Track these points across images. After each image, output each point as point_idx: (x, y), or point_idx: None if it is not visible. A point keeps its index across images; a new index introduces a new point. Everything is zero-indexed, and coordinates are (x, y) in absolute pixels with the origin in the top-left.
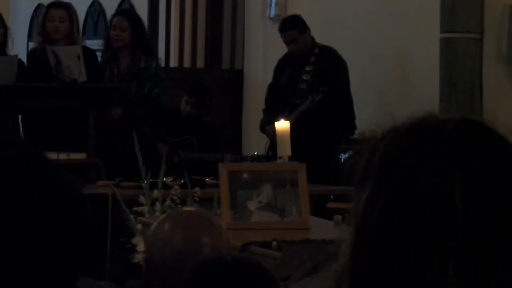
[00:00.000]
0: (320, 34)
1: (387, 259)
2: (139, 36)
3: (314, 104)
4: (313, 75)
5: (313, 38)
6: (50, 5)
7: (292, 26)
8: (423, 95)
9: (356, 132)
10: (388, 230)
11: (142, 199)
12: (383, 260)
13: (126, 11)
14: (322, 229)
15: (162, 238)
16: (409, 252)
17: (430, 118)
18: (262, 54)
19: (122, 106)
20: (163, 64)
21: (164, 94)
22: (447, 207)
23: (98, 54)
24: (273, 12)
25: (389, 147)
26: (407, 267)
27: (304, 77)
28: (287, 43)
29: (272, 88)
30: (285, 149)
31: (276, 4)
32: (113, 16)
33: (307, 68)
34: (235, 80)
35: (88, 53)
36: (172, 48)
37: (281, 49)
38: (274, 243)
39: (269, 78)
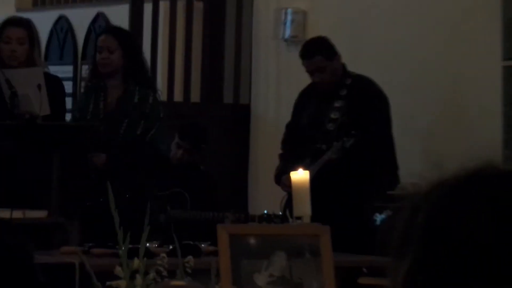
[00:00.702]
0: (350, 61)
1: None
2: (132, 60)
3: (344, 151)
4: (344, 113)
5: (343, 66)
6: (6, 23)
7: (318, 51)
8: (482, 138)
9: (398, 187)
10: None
11: (118, 270)
12: None
13: (114, 29)
14: None
15: None
16: None
17: (490, 169)
18: (274, 85)
19: (108, 151)
20: (162, 98)
21: (162, 136)
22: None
23: (66, 84)
24: (288, 33)
25: (436, 207)
26: None
27: (332, 116)
28: (311, 72)
29: (292, 129)
30: (303, 207)
31: (293, 22)
32: (98, 35)
33: (336, 104)
34: (240, 118)
35: (52, 81)
36: (159, 78)
37: (301, 79)
38: None
39: (283, 116)
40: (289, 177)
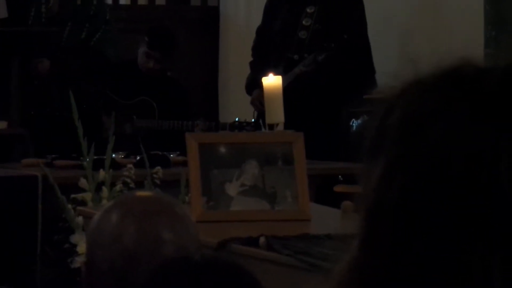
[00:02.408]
0: None
1: (409, 256)
2: None
3: (317, 65)
4: (317, 20)
5: None
6: None
7: None
8: (461, 37)
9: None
10: (411, 217)
11: (83, 182)
12: (403, 256)
13: None
14: (326, 220)
15: (109, 233)
16: (439, 245)
17: (467, 67)
18: None
19: (52, 57)
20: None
21: (110, 40)
22: (490, 185)
23: None
24: None
25: (411, 106)
26: (436, 266)
27: (304, 22)
28: None
29: (262, 33)
30: (276, 114)
31: None
32: None
33: (309, 10)
34: (208, 20)
35: None
36: None
37: None
38: (262, 239)
39: (254, 19)
40: (260, 95)
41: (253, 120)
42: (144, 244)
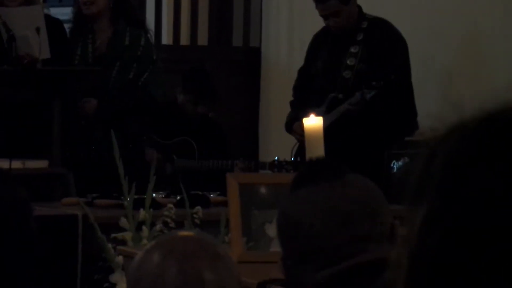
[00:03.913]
0: (367, 3)
1: None
2: None
3: (364, 103)
4: (361, 59)
5: (359, 8)
6: None
7: None
8: (504, 79)
9: (417, 132)
10: (452, 263)
11: (124, 222)
12: None
13: None
14: None
15: (151, 274)
16: None
17: (509, 112)
18: (286, 27)
19: (99, 97)
20: (154, 40)
21: (157, 81)
22: None
23: (66, 26)
24: None
25: (453, 152)
26: None
27: (348, 62)
28: (325, 16)
29: (304, 74)
30: (316, 154)
31: None
32: None
33: (353, 50)
34: (250, 62)
35: (52, 24)
36: (164, 19)
37: (315, 20)
38: None
39: (295, 60)
40: (301, 124)
41: (292, 159)
42: (186, 284)
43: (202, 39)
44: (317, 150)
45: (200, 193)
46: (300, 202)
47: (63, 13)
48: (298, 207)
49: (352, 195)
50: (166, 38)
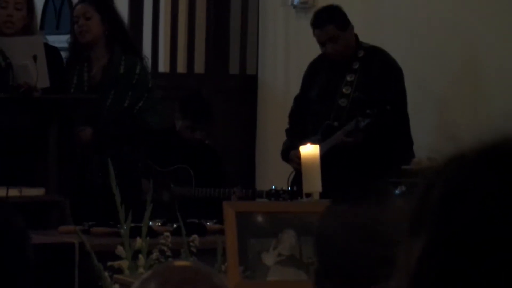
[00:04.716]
0: (362, 30)
1: None
2: (113, 24)
3: (358, 131)
4: (357, 88)
5: (356, 37)
6: None
7: (330, 20)
8: (501, 108)
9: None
10: None
11: (120, 250)
12: None
13: None
14: None
15: None
16: None
17: (507, 145)
18: (283, 55)
19: (94, 125)
20: (150, 68)
21: (152, 108)
22: None
23: (63, 54)
24: None
25: (452, 183)
26: None
27: (344, 90)
28: (322, 42)
29: (299, 102)
30: (313, 183)
31: None
32: (75, 6)
33: (349, 78)
34: (246, 89)
35: (51, 52)
36: (161, 48)
37: (311, 48)
38: None
39: (292, 88)
40: (298, 152)
41: (289, 188)
42: None
43: (199, 67)
44: (314, 178)
45: (196, 221)
46: (333, 217)
47: (60, 40)
48: (330, 222)
49: (387, 218)
50: (163, 66)
